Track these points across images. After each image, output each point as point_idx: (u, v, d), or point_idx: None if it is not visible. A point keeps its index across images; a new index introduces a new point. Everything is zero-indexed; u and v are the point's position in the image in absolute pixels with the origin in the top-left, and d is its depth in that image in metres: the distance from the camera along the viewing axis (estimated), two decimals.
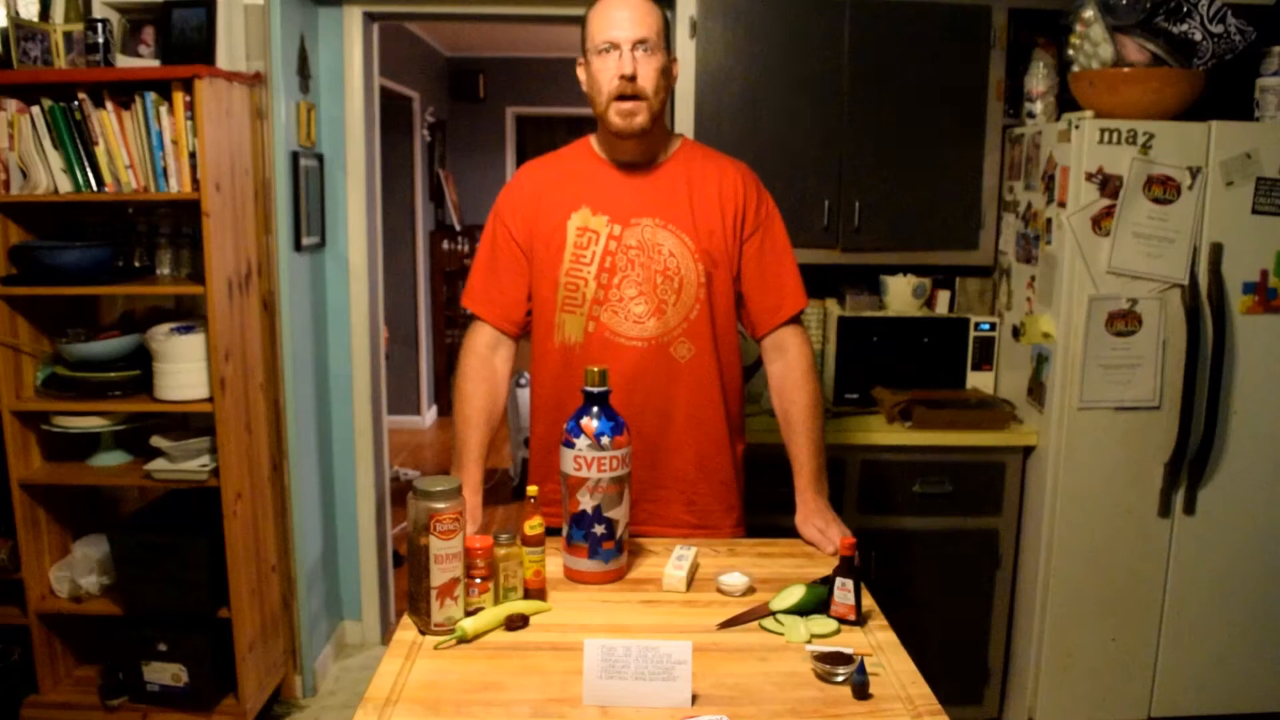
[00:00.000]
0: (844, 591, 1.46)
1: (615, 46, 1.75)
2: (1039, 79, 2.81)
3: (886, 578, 2.60)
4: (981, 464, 2.73)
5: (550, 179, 1.90)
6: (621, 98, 1.75)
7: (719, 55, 2.79)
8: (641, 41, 1.74)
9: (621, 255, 1.82)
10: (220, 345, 2.54)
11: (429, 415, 6.47)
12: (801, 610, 1.47)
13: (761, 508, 2.04)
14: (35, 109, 2.46)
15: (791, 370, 1.90)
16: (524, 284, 1.89)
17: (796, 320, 1.92)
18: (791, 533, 1.82)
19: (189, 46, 2.62)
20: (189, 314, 2.76)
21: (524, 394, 4.96)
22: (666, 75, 1.81)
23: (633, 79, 1.74)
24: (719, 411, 1.88)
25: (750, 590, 1.56)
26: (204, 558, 2.61)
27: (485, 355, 1.90)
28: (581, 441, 1.53)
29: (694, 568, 1.62)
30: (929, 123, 2.86)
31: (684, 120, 2.81)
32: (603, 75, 1.76)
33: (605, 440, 1.53)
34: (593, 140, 1.92)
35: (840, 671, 1.30)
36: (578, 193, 1.86)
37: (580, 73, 1.85)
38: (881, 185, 2.88)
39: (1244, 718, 2.75)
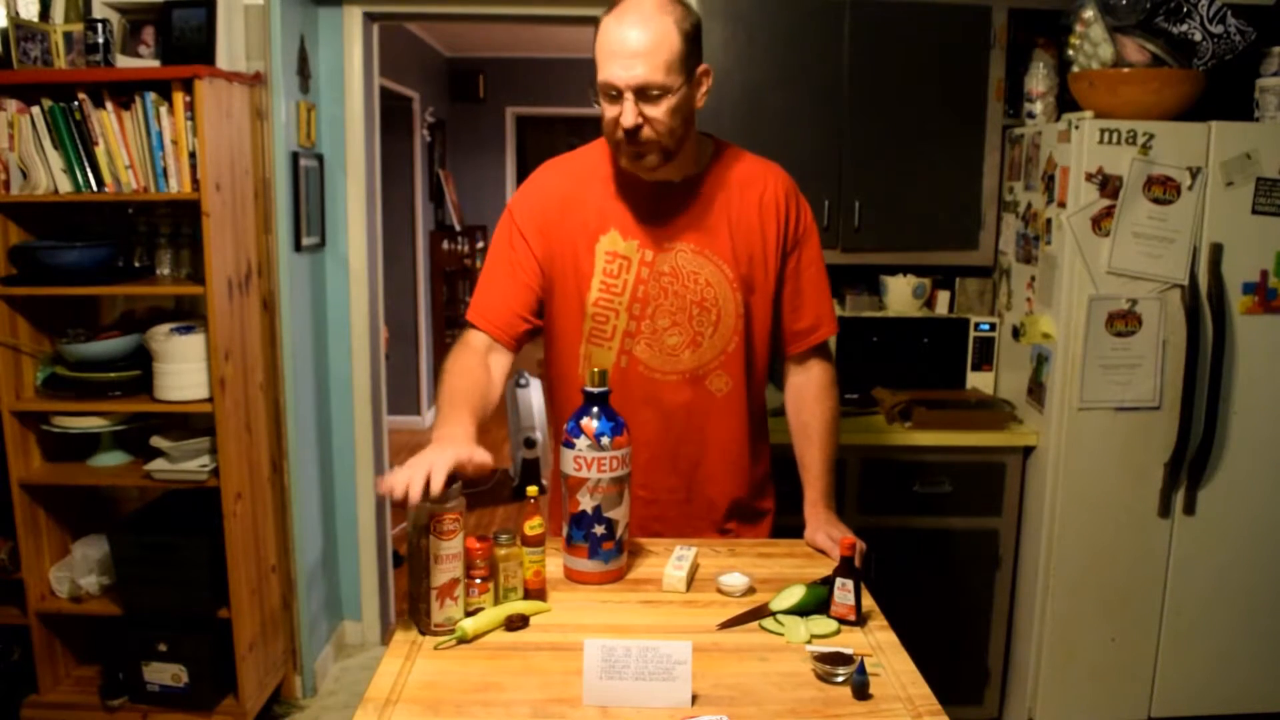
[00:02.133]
0: (844, 592, 1.46)
1: (615, 91, 1.56)
2: (1039, 79, 2.81)
3: (886, 578, 2.60)
4: (981, 464, 2.73)
5: (574, 190, 1.73)
6: (629, 142, 1.59)
7: (719, 55, 2.79)
8: (644, 88, 1.54)
9: (654, 284, 1.69)
10: (220, 345, 2.54)
11: (429, 415, 6.47)
12: (801, 610, 1.47)
13: None
14: (35, 109, 2.46)
15: (812, 383, 1.82)
16: (533, 298, 1.73)
17: (825, 343, 1.84)
18: (793, 532, 1.82)
19: (189, 46, 2.62)
20: (189, 314, 2.76)
21: (524, 394, 4.97)
22: (685, 106, 1.60)
23: (635, 131, 1.57)
24: (749, 443, 1.81)
25: (750, 590, 1.56)
26: (204, 558, 2.61)
27: (480, 354, 1.70)
28: (581, 442, 1.53)
29: (694, 568, 1.61)
30: (929, 123, 2.86)
31: None
32: (607, 117, 1.60)
33: (605, 440, 1.53)
34: None
35: (840, 672, 1.30)
36: (605, 212, 1.70)
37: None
38: (881, 185, 2.88)
39: (1244, 718, 2.75)
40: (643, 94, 1.55)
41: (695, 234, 1.70)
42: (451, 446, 1.42)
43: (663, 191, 1.70)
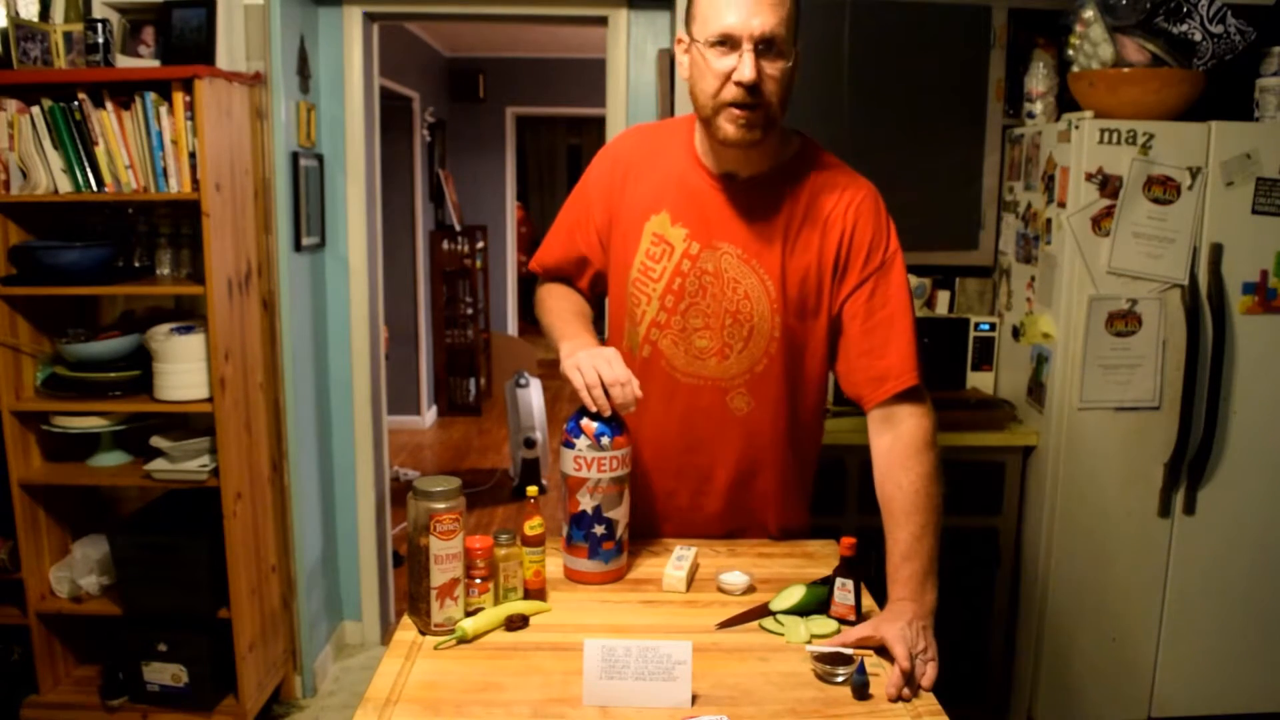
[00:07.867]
0: (844, 592, 1.46)
1: (732, 42, 1.40)
2: (1039, 79, 2.81)
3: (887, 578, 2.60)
4: (981, 464, 2.73)
5: (645, 159, 1.63)
6: (736, 105, 1.43)
7: None
8: (767, 40, 1.40)
9: (694, 280, 1.57)
10: (220, 345, 2.54)
11: (429, 415, 6.47)
12: (801, 610, 1.47)
13: None
14: (35, 109, 2.46)
15: (900, 445, 1.54)
16: (584, 263, 1.72)
17: (912, 392, 1.58)
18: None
19: (189, 46, 2.62)
20: (189, 314, 2.76)
21: (524, 394, 4.97)
22: (789, 81, 1.47)
23: (753, 89, 1.41)
24: (771, 480, 1.67)
25: (750, 590, 1.56)
26: (204, 558, 2.61)
27: (563, 284, 1.75)
28: (581, 441, 1.53)
29: (694, 568, 1.61)
30: (929, 123, 2.86)
31: None
32: (712, 74, 1.43)
33: (605, 440, 1.53)
34: (695, 130, 1.59)
35: (840, 672, 1.30)
36: (663, 190, 1.59)
37: (679, 52, 1.52)
38: (882, 185, 2.83)
39: (1244, 718, 2.75)
40: (764, 46, 1.42)
41: (746, 239, 1.55)
42: (602, 350, 1.51)
43: (724, 184, 1.57)
